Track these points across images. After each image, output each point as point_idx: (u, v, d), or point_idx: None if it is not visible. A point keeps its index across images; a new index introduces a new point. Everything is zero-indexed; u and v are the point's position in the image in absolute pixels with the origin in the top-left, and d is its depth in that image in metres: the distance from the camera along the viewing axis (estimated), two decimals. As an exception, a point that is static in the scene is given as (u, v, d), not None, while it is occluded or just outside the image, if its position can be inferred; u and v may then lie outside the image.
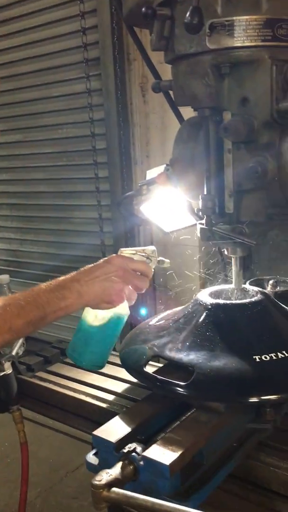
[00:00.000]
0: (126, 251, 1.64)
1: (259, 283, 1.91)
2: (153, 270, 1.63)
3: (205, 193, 1.67)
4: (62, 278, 1.49)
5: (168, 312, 1.96)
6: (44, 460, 3.62)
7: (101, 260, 1.55)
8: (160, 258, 1.67)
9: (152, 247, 1.67)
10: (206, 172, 1.66)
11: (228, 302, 1.66)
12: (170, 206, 1.99)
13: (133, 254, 1.63)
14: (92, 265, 1.53)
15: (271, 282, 1.89)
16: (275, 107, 1.53)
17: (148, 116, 3.41)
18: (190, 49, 1.54)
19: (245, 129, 1.53)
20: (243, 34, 1.49)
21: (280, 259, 2.22)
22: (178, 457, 1.30)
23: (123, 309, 1.61)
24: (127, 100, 3.42)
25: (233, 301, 1.67)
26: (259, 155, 1.57)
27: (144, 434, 1.45)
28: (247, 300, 1.66)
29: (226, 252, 1.80)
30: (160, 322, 1.82)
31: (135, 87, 3.40)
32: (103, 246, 3.51)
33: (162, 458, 1.29)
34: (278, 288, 1.87)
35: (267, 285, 1.89)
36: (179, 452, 1.32)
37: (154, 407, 1.57)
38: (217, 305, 1.64)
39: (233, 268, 1.80)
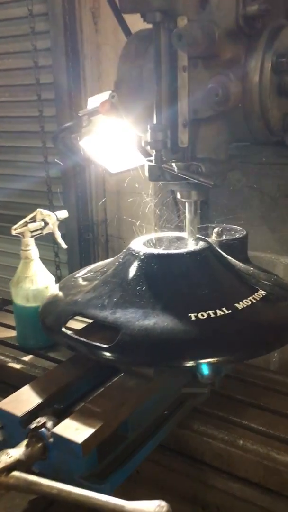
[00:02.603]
0: (17, 228, 1.66)
1: (203, 230, 1.63)
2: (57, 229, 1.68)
3: (154, 122, 1.35)
4: None
5: (99, 263, 1.67)
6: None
7: None
8: (56, 213, 1.68)
9: (38, 210, 1.68)
10: (156, 95, 1.33)
11: (162, 252, 1.39)
12: (116, 141, 1.66)
13: (24, 226, 1.65)
14: None
15: (216, 230, 1.61)
16: (241, 11, 1.21)
17: (100, 47, 2.98)
18: None
19: (204, 38, 1.20)
20: None
21: (241, 207, 1.94)
22: (94, 433, 1.08)
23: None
24: (76, 28, 2.97)
25: (169, 251, 1.40)
26: (220, 73, 1.25)
27: (63, 403, 1.22)
28: (185, 250, 1.39)
29: (179, 196, 1.49)
30: (88, 275, 1.53)
31: (85, 12, 2.95)
32: (50, 194, 3.15)
33: (74, 435, 1.06)
34: (223, 237, 1.60)
35: (212, 233, 1.61)
36: (96, 427, 1.09)
37: (75, 371, 1.33)
38: (151, 255, 1.37)
39: (187, 215, 1.50)
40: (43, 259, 3.47)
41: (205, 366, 1.31)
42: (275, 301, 1.40)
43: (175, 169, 1.33)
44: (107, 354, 1.22)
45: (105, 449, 1.16)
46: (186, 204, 1.49)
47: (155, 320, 1.23)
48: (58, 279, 3.08)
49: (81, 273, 1.58)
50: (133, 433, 1.23)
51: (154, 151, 1.36)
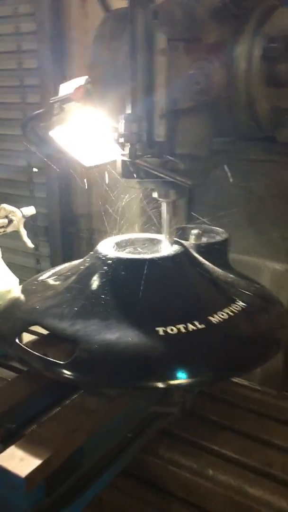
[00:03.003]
0: None
1: (182, 231, 1.48)
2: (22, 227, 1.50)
3: (128, 112, 1.19)
4: None
5: (66, 264, 1.52)
6: None
7: None
8: (21, 209, 1.52)
9: (1, 205, 1.53)
10: (131, 81, 1.16)
11: (131, 256, 1.24)
12: (90, 132, 1.50)
13: None
14: None
15: (194, 232, 1.45)
16: (228, -12, 1.05)
17: (89, 32, 2.79)
18: None
19: (183, 17, 1.04)
20: None
21: (226, 207, 1.78)
22: (41, 465, 0.92)
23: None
24: (64, 11, 2.79)
25: (138, 256, 1.25)
26: (202, 59, 1.09)
27: (17, 421, 1.07)
28: (156, 255, 1.24)
29: (155, 195, 1.34)
30: (51, 278, 1.38)
31: (73, -6, 2.76)
32: (31, 184, 2.98)
33: (17, 467, 0.91)
34: (203, 239, 1.44)
35: (190, 235, 1.46)
36: (45, 457, 0.93)
37: (30, 387, 1.17)
38: (118, 260, 1.22)
39: (164, 215, 1.35)
40: (23, 252, 3.31)
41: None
42: (254, 314, 1.25)
43: (149, 165, 1.17)
44: (63, 371, 1.07)
45: (55, 479, 1.01)
46: (164, 204, 1.34)
47: (118, 334, 1.09)
48: (37, 273, 2.92)
49: (45, 275, 1.43)
50: (90, 460, 1.09)
51: (127, 144, 1.20)
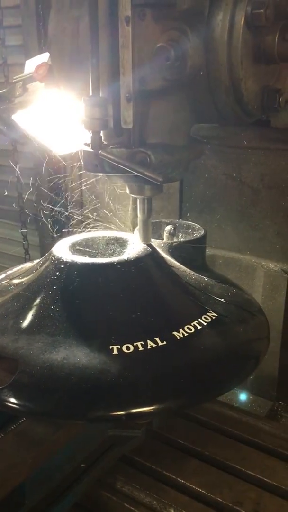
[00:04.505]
0: None
1: (156, 227, 1.29)
2: None
3: (91, 94, 1.00)
4: None
5: (24, 265, 1.35)
6: None
7: None
8: None
9: None
10: (92, 57, 0.97)
11: (86, 260, 1.06)
12: (58, 116, 1.30)
13: None
14: None
15: (168, 228, 1.26)
16: None
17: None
18: None
19: (149, -25, 0.84)
20: None
21: (217, 199, 1.59)
22: None
23: None
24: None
25: (94, 260, 1.07)
26: (174, 28, 0.89)
27: None
28: (116, 259, 1.05)
29: (128, 191, 1.15)
30: (3, 282, 1.21)
31: None
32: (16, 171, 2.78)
33: None
34: (180, 236, 1.26)
35: (163, 232, 1.27)
36: None
37: None
38: (71, 264, 1.04)
39: (139, 214, 1.16)
40: (10, 241, 3.13)
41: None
42: (228, 326, 1.06)
43: (114, 158, 0.98)
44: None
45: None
46: (138, 201, 1.15)
47: (65, 354, 0.92)
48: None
49: (-2, 278, 1.26)
50: (33, 497, 0.93)
51: (91, 132, 1.01)
